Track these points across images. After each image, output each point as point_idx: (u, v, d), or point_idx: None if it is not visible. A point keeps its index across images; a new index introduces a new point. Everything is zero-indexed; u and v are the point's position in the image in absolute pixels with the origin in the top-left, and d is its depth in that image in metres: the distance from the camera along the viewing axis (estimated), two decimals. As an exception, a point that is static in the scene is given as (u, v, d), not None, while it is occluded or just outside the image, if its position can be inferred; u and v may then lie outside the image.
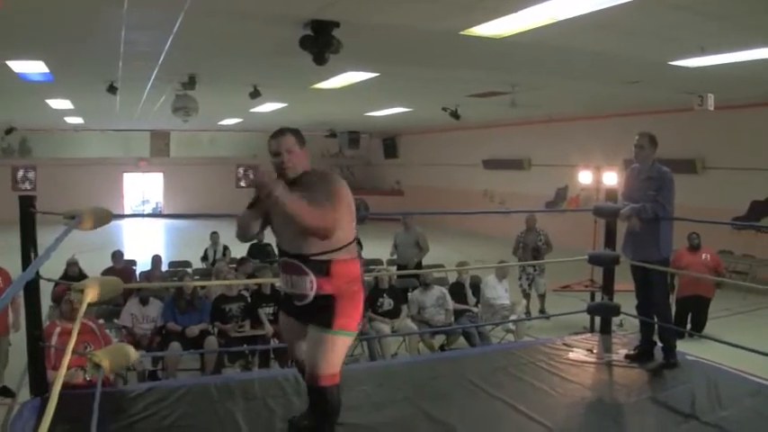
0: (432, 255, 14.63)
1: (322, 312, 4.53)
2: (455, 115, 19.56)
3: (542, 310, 13.38)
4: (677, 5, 8.07)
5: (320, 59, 9.15)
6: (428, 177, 30.91)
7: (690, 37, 9.76)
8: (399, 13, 8.46)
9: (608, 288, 8.27)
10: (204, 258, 16.09)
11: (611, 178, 10.88)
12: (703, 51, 10.54)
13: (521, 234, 14.31)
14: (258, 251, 14.84)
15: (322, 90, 15.73)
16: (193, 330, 9.76)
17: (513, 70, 13.43)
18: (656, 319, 7.32)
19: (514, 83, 15.20)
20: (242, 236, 4.88)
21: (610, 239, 8.15)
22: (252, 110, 20.52)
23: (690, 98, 14.07)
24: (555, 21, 8.62)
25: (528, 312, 13.11)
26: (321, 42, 8.91)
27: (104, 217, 4.85)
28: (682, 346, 7.45)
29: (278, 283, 6.18)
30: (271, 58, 11.56)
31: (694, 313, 12.20)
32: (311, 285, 4.51)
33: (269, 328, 9.97)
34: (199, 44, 10.37)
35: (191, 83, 13.58)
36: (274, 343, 9.66)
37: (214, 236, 16.24)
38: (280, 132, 4.57)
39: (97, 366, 4.60)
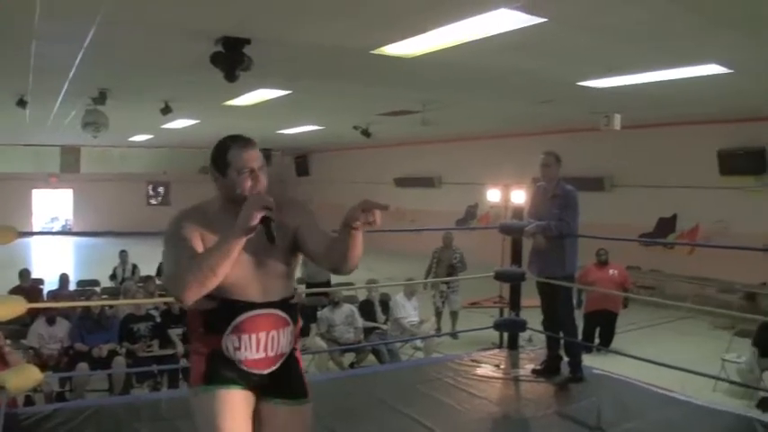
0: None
1: (294, 377, 3.60)
2: (366, 133, 19.67)
3: (453, 328, 13.46)
4: (586, 27, 8.25)
5: (231, 76, 9.12)
6: (340, 195, 30.79)
7: (598, 58, 9.98)
8: (310, 32, 8.50)
9: (515, 304, 8.41)
10: (113, 277, 15.91)
11: (520, 196, 11.07)
12: (610, 72, 10.78)
13: (437, 250, 14.41)
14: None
15: (234, 107, 15.68)
16: (101, 350, 9.63)
17: (424, 89, 13.54)
18: (561, 334, 7.46)
19: (425, 101, 15.33)
20: (196, 293, 3.13)
21: (516, 256, 8.30)
22: (163, 126, 20.28)
23: (597, 118, 14.34)
24: (465, 41, 8.73)
25: (438, 329, 13.19)
26: (232, 59, 8.87)
27: (7, 234, 4.79)
28: (590, 361, 7.62)
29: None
30: (182, 75, 11.47)
31: (602, 327, 12.43)
32: (294, 339, 3.59)
33: (179, 348, 9.91)
34: (110, 58, 10.24)
35: (101, 98, 13.40)
36: (184, 362, 9.55)
37: (123, 254, 16.09)
38: (252, 142, 3.52)
39: (1, 388, 4.54)
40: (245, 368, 3.38)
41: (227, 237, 3.12)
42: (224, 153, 3.40)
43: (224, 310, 3.34)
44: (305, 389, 3.59)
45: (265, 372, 3.43)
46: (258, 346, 3.38)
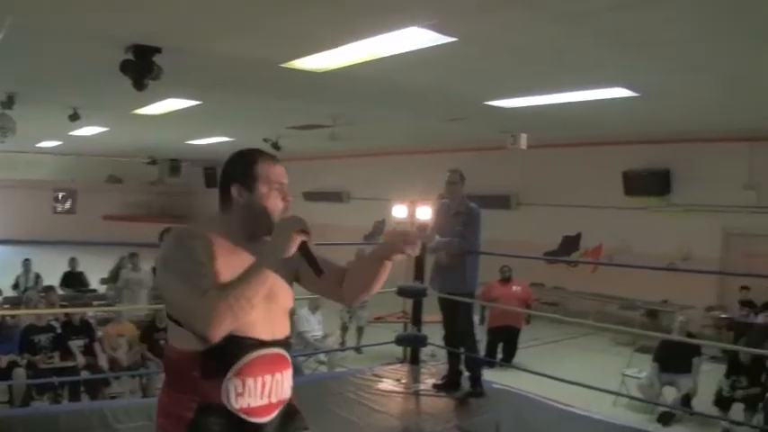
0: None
1: (292, 421, 3.10)
2: (276, 146, 19.58)
3: (359, 342, 13.46)
4: (495, 48, 8.39)
5: (139, 85, 9.02)
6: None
7: (506, 78, 10.14)
8: (221, 43, 8.49)
9: (417, 319, 8.47)
10: (15, 286, 15.58)
11: (425, 212, 11.15)
12: (518, 92, 10.95)
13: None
14: (73, 280, 14.47)
15: (144, 115, 15.50)
16: (1, 361, 9.42)
17: (334, 103, 13.60)
18: (462, 350, 7.53)
19: (336, 116, 15.39)
20: (227, 329, 2.63)
21: (418, 272, 8.35)
22: (71, 132, 19.85)
23: (505, 137, 14.55)
24: (376, 57, 8.80)
25: (343, 343, 13.18)
26: (141, 67, 8.79)
27: None
28: (492, 376, 7.70)
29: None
30: (91, 81, 11.34)
31: (505, 343, 12.58)
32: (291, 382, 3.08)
33: (80, 360, 9.75)
34: (19, 63, 10.07)
35: (9, 102, 13.16)
36: (85, 374, 9.40)
37: (26, 263, 15.76)
38: (278, 159, 3.08)
39: None
40: (243, 417, 2.80)
41: (261, 263, 2.67)
42: (251, 166, 2.94)
43: (228, 349, 2.74)
44: (305, 423, 3.13)
45: (265, 420, 2.88)
46: (263, 390, 2.85)
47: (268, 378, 2.84)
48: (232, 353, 2.76)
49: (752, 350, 9.80)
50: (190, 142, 23.14)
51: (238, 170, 2.96)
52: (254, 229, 2.90)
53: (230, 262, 2.72)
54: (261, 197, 2.90)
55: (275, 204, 2.93)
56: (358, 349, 12.50)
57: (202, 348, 2.71)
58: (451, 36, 7.77)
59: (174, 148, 26.48)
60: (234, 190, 2.91)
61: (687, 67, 9.19)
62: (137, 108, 14.61)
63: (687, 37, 7.71)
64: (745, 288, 14.71)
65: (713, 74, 9.68)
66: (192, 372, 2.76)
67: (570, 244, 18.53)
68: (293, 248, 2.70)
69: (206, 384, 2.76)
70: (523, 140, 13.33)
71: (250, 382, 2.79)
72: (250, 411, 2.80)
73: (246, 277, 2.63)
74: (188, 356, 2.76)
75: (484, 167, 17.72)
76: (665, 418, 9.95)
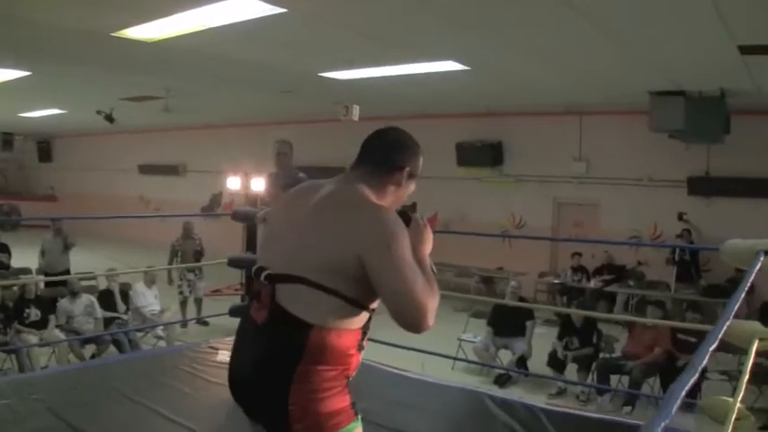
0: (82, 262, 14.27)
1: None
2: (109, 119, 19.07)
3: (198, 314, 13.30)
4: (325, 20, 8.40)
5: (-37, 54, 8.70)
6: (84, 182, 29.89)
7: (337, 50, 10.17)
8: (49, 11, 8.22)
9: (249, 290, 8.42)
10: None
11: (259, 184, 11.13)
12: (350, 64, 10.99)
13: (177, 242, 14.16)
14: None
15: (-29, 86, 14.87)
16: None
17: (166, 75, 13.39)
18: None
19: (168, 88, 15.15)
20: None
21: (250, 243, 8.32)
22: None
23: (338, 109, 14.61)
24: (207, 27, 8.70)
25: (184, 316, 12.98)
26: (-34, 36, 8.47)
27: None
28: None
29: None
30: None
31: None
32: None
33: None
34: None
35: None
36: None
37: None
38: None
39: None
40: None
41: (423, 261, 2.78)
42: (419, 157, 3.05)
43: (369, 324, 2.89)
44: None
45: None
46: None
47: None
48: (368, 327, 2.87)
49: (584, 312, 10.19)
50: (22, 114, 22.28)
51: (411, 155, 3.01)
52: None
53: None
54: (408, 187, 3.02)
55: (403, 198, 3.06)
56: (202, 321, 12.38)
57: (361, 326, 2.80)
58: (281, 7, 7.75)
59: (5, 121, 25.50)
60: (405, 174, 2.97)
61: (514, 45, 9.45)
62: (-36, 79, 14.03)
63: (514, 16, 7.94)
64: (577, 254, 15.23)
65: (539, 54, 9.99)
66: (351, 349, 2.79)
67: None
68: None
69: (357, 358, 2.85)
70: (356, 112, 13.36)
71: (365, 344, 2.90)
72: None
73: (431, 275, 2.75)
74: (353, 335, 2.78)
75: (317, 139, 17.79)
76: (501, 380, 10.23)
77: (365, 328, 2.83)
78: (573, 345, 10.07)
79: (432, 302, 2.62)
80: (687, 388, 1.74)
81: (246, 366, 2.82)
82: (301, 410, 2.67)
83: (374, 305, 2.81)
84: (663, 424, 1.49)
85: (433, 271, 2.82)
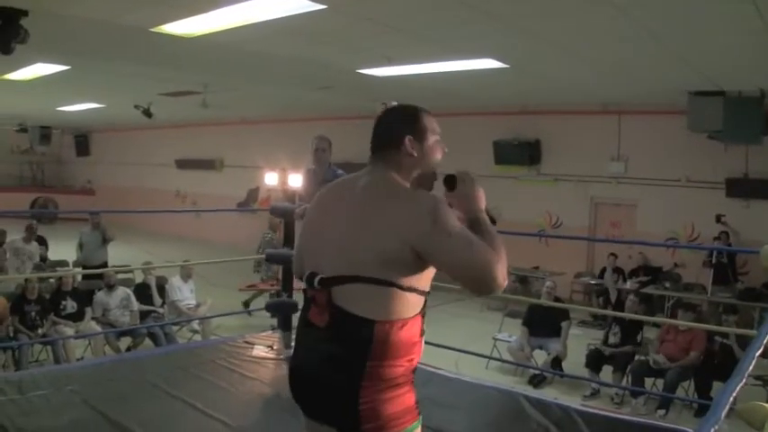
0: (119, 255, 14.35)
1: None
2: (147, 113, 19.17)
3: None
4: (364, 16, 8.38)
5: (5, 49, 8.70)
6: (120, 176, 30.03)
7: (376, 47, 10.14)
8: (90, 6, 8.25)
9: (287, 286, 8.43)
10: None
11: (297, 180, 11.12)
12: (389, 61, 10.97)
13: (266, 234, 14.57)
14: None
15: (11, 81, 14.99)
16: None
17: (205, 70, 13.42)
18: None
19: (206, 83, 15.19)
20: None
21: (288, 238, 8.31)
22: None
23: (376, 106, 14.60)
24: (247, 23, 8.72)
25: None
26: (8, 31, 8.48)
27: None
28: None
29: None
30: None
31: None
32: None
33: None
34: None
35: None
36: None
37: None
38: None
39: None
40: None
41: (484, 218, 2.87)
42: (417, 118, 3.02)
43: (426, 308, 2.88)
44: None
45: None
46: None
47: None
48: (426, 310, 2.86)
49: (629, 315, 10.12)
50: (60, 108, 22.45)
51: (407, 122, 3.00)
52: (422, 183, 2.98)
53: None
54: (430, 149, 2.99)
55: (439, 155, 3.05)
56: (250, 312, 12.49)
57: (419, 311, 2.79)
58: (321, 3, 7.75)
59: (44, 115, 25.66)
60: (408, 142, 2.94)
61: (553, 43, 9.39)
62: (4, 73, 14.16)
63: (552, 14, 7.90)
64: (612, 255, 15.11)
65: (577, 52, 9.93)
66: (415, 337, 2.79)
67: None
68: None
69: (421, 345, 2.85)
70: (395, 109, 13.34)
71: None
72: None
73: (490, 229, 2.81)
74: (414, 322, 2.78)
75: (353, 135, 17.81)
76: (535, 381, 10.19)
77: (423, 312, 2.82)
78: (615, 338, 10.08)
79: (493, 258, 2.62)
80: (735, 393, 1.72)
81: (314, 369, 2.80)
82: (371, 410, 2.67)
83: (428, 287, 2.81)
84: (713, 430, 1.47)
85: (492, 220, 2.90)
